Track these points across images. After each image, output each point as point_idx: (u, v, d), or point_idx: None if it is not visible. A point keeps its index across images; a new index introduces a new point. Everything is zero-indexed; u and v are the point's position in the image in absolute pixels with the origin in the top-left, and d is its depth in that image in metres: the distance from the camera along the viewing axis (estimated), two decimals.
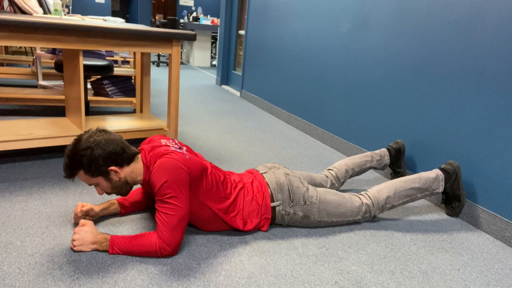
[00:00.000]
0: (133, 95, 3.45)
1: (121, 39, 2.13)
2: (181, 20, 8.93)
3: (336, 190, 2.04)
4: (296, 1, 3.54)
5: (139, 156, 1.51)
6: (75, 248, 1.37)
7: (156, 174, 1.35)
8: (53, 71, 4.16)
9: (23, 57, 4.73)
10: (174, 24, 7.26)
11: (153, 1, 14.16)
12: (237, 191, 1.58)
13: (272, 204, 1.62)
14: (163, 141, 1.55)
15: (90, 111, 3.47)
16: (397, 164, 2.27)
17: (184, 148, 1.53)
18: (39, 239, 1.44)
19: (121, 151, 1.43)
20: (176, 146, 1.52)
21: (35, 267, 1.28)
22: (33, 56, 4.63)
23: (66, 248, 1.40)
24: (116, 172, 1.43)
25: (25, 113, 3.17)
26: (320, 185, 1.96)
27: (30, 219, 1.58)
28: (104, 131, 1.45)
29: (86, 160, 1.37)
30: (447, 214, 2.00)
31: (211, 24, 8.17)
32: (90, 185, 1.46)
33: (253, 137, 3.11)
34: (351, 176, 2.10)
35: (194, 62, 8.28)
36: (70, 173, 1.41)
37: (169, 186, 1.34)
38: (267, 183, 1.65)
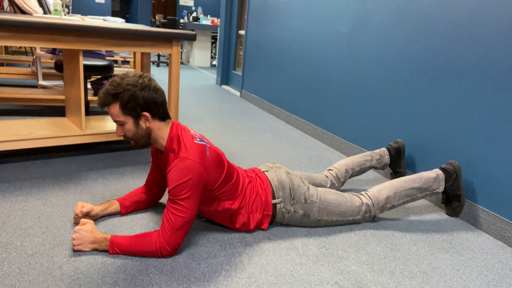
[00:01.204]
0: None
1: (121, 39, 2.13)
2: (181, 20, 8.93)
3: (336, 190, 2.04)
4: (296, 1, 3.54)
5: (171, 122, 1.52)
6: (74, 248, 1.37)
7: (173, 173, 1.35)
8: (53, 71, 4.16)
9: (23, 57, 4.73)
10: (174, 24, 7.26)
11: (153, 1, 14.16)
12: (246, 185, 1.59)
13: (273, 201, 1.62)
14: (192, 132, 1.53)
15: (90, 111, 3.47)
16: (397, 164, 2.27)
17: (208, 145, 1.50)
18: (39, 239, 1.44)
19: (161, 103, 1.47)
20: (200, 139, 1.52)
21: (35, 267, 1.28)
22: (33, 56, 4.63)
23: (66, 248, 1.40)
24: (147, 119, 1.44)
25: (25, 113, 3.17)
26: (320, 185, 1.96)
27: (30, 219, 1.58)
28: (152, 78, 1.48)
29: (128, 95, 1.40)
30: (447, 214, 2.00)
31: (211, 24, 8.17)
32: (116, 121, 1.46)
33: (253, 137, 3.11)
34: (351, 176, 2.10)
35: (194, 62, 8.28)
36: (106, 101, 1.42)
37: (183, 188, 1.34)
38: (269, 181, 1.65)
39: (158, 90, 1.46)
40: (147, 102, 1.43)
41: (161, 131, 1.49)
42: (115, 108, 1.43)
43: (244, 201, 1.57)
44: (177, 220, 1.35)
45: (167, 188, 1.65)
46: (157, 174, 1.69)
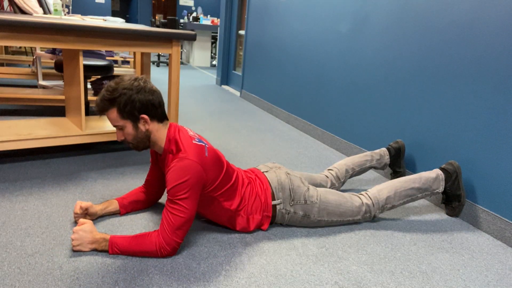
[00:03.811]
0: None
1: (121, 39, 2.13)
2: (181, 20, 8.93)
3: (337, 190, 2.04)
4: (296, 1, 3.54)
5: (168, 124, 1.52)
6: (74, 248, 1.37)
7: (172, 173, 1.35)
8: (53, 71, 4.16)
9: (23, 57, 4.73)
10: (174, 24, 7.26)
11: (153, 1, 14.16)
12: (245, 187, 1.59)
13: (273, 202, 1.62)
14: (190, 133, 1.53)
15: (90, 111, 3.47)
16: (397, 164, 2.27)
17: (207, 145, 1.50)
18: (39, 239, 1.44)
19: (158, 105, 1.46)
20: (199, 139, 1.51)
21: (35, 267, 1.28)
22: (33, 56, 4.63)
23: (66, 248, 1.40)
24: (146, 121, 1.44)
25: (25, 113, 3.17)
26: (320, 185, 1.96)
27: (30, 219, 1.58)
28: (148, 80, 1.48)
29: (124, 99, 1.40)
30: (447, 214, 2.00)
31: (211, 24, 8.17)
32: (115, 126, 1.47)
33: (253, 137, 3.11)
34: (351, 176, 2.10)
35: (194, 62, 8.28)
36: (104, 107, 1.43)
37: (182, 189, 1.34)
38: (268, 181, 1.65)
39: (154, 92, 1.46)
40: (144, 105, 1.42)
41: (160, 132, 1.49)
42: (113, 113, 1.43)
43: (243, 203, 1.57)
44: (176, 220, 1.35)
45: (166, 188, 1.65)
46: (157, 174, 1.69)
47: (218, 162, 1.48)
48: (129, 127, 1.45)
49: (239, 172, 1.63)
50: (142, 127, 1.46)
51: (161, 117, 1.49)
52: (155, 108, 1.46)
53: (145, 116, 1.43)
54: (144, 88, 1.43)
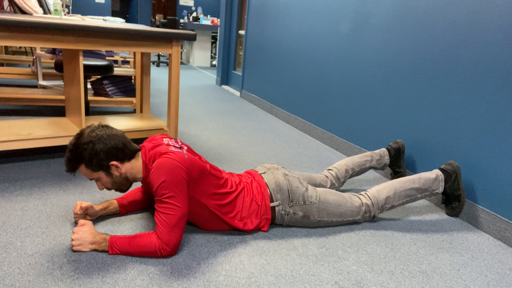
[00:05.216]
0: (133, 95, 3.45)
1: (121, 39, 2.13)
2: (181, 20, 8.93)
3: (336, 190, 2.04)
4: (296, 1, 3.54)
5: (140, 153, 1.52)
6: (73, 248, 1.37)
7: (154, 173, 1.36)
8: (53, 71, 4.16)
9: (23, 57, 4.73)
10: (174, 24, 7.26)
11: (153, 1, 14.15)
12: (237, 192, 1.58)
13: (272, 204, 1.62)
14: (165, 140, 1.55)
15: (90, 111, 3.47)
16: (397, 164, 2.27)
17: (185, 148, 1.53)
18: (39, 239, 1.44)
19: (123, 146, 1.45)
20: (177, 145, 1.52)
21: (35, 267, 1.28)
22: (33, 56, 4.63)
23: (66, 248, 1.40)
24: (117, 167, 1.44)
25: (25, 113, 3.17)
26: (320, 185, 1.96)
27: (30, 219, 1.58)
28: (106, 126, 1.47)
29: (88, 154, 1.39)
30: (447, 214, 2.00)
31: (211, 24, 8.17)
32: (91, 179, 1.47)
33: (253, 137, 3.11)
34: (351, 176, 2.10)
35: (194, 62, 8.28)
36: (72, 167, 1.43)
37: (167, 186, 1.34)
38: (266, 183, 1.65)
39: (114, 136, 1.44)
40: (109, 152, 1.42)
41: (135, 168, 1.49)
42: (83, 170, 1.43)
43: (236, 209, 1.56)
44: (169, 219, 1.35)
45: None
46: None
47: (198, 163, 1.48)
48: (103, 177, 1.45)
49: (230, 178, 1.62)
50: (116, 172, 1.46)
51: (130, 155, 1.48)
52: (121, 151, 1.45)
53: (114, 162, 1.43)
54: (103, 136, 1.41)
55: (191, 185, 1.44)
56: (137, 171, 1.50)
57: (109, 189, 1.51)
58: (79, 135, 1.42)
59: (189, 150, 1.57)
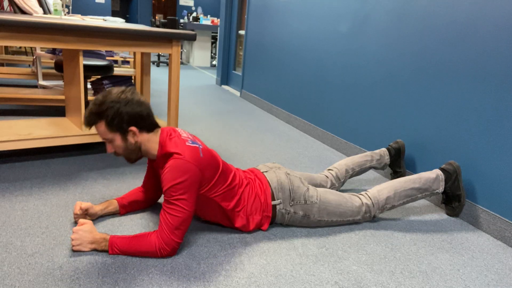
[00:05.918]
0: None
1: (121, 39, 2.13)
2: (181, 20, 8.93)
3: (336, 190, 2.04)
4: (296, 1, 3.54)
5: (159, 130, 1.52)
6: (73, 248, 1.37)
7: (168, 173, 1.35)
8: (53, 71, 4.16)
9: (23, 57, 4.73)
10: (174, 24, 7.26)
11: (153, 1, 14.16)
12: (243, 187, 1.58)
13: (273, 203, 1.62)
14: (182, 132, 1.54)
15: None
16: (397, 164, 2.27)
17: (201, 146, 1.50)
18: (39, 239, 1.44)
19: (146, 116, 1.46)
20: (194, 140, 1.51)
21: (35, 267, 1.28)
22: (33, 56, 4.63)
23: (66, 248, 1.40)
24: (134, 133, 1.44)
25: (25, 113, 3.17)
26: (320, 185, 1.96)
27: (30, 219, 1.58)
28: (135, 92, 1.47)
29: (112, 112, 1.39)
30: (447, 214, 2.00)
31: (211, 24, 8.17)
32: (104, 139, 1.46)
33: (253, 137, 3.11)
34: (351, 176, 2.10)
35: (194, 62, 8.28)
36: (91, 121, 1.42)
37: (178, 189, 1.34)
38: (268, 181, 1.65)
39: (142, 103, 1.45)
40: (132, 117, 1.42)
41: (151, 142, 1.49)
42: (101, 127, 1.43)
43: (242, 203, 1.56)
44: (174, 220, 1.35)
45: None
46: (154, 175, 1.69)
47: (213, 162, 1.48)
48: (118, 140, 1.45)
49: (237, 172, 1.62)
50: (131, 139, 1.46)
51: (150, 127, 1.48)
52: (144, 120, 1.45)
53: (133, 128, 1.43)
54: (132, 100, 1.42)
55: (203, 182, 1.44)
56: (152, 145, 1.49)
57: (117, 154, 1.50)
58: (108, 93, 1.42)
59: (204, 146, 1.54)
